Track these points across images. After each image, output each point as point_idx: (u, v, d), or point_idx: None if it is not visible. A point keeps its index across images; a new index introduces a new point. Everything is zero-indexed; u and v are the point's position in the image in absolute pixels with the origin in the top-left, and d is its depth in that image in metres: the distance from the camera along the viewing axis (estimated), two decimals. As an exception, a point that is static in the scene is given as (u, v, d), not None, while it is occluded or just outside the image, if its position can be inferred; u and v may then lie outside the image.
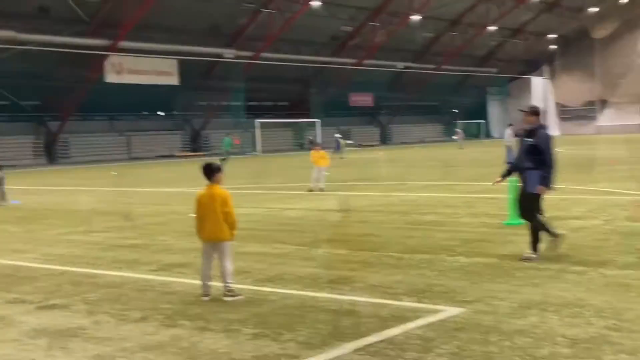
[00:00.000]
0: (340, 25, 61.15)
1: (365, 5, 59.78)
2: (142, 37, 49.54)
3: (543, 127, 9.37)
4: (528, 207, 9.22)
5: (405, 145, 69.43)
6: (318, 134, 60.05)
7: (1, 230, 14.54)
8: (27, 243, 12.53)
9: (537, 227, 9.17)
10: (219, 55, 55.02)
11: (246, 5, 52.41)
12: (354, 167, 32.64)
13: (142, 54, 50.46)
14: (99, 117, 55.68)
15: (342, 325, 6.47)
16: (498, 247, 10.11)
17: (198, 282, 7.97)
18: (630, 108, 77.72)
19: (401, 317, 6.65)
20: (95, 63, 48.55)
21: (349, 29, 62.66)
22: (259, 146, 58.76)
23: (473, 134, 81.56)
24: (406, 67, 69.64)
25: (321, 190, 20.20)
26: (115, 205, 18.91)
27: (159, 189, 24.12)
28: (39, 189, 26.68)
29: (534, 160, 9.08)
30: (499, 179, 9.79)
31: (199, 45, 53.01)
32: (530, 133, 9.26)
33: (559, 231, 9.36)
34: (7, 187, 20.74)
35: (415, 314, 6.75)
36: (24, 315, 7.30)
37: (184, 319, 6.93)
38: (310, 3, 52.69)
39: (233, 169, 34.33)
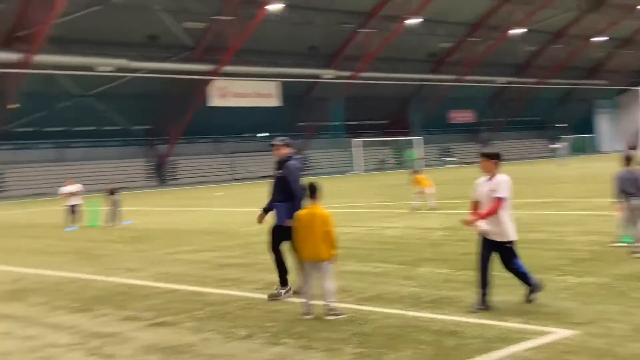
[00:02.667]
0: (438, 41, 60.79)
1: (464, 21, 59.19)
2: (244, 61, 50.96)
3: (292, 158, 8.99)
4: (276, 240, 8.87)
5: (508, 162, 67.87)
6: (420, 151, 60.09)
7: (115, 250, 15.20)
8: (139, 262, 13.04)
9: (281, 261, 8.86)
10: (318, 77, 55.78)
11: (344, 26, 52.96)
12: (456, 185, 32.19)
13: (244, 77, 51.85)
14: (204, 140, 57.45)
15: (445, 346, 6.39)
16: (611, 267, 9.69)
17: (301, 300, 8.06)
18: None
19: (507, 338, 6.49)
20: (201, 87, 50.24)
21: (448, 45, 62.17)
22: (358, 165, 58.91)
23: (580, 149, 78.88)
24: (508, 82, 68.34)
25: (433, 209, 20.03)
26: (221, 225, 19.38)
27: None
28: (149, 209, 27.72)
29: (283, 193, 8.78)
30: (262, 214, 9.22)
31: (298, 67, 53.93)
32: (280, 165, 8.99)
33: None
34: (121, 208, 21.69)
35: (522, 335, 6.57)
36: (136, 332, 7.58)
37: (288, 337, 7.01)
38: (408, 21, 52.65)
39: (333, 188, 34.59)
